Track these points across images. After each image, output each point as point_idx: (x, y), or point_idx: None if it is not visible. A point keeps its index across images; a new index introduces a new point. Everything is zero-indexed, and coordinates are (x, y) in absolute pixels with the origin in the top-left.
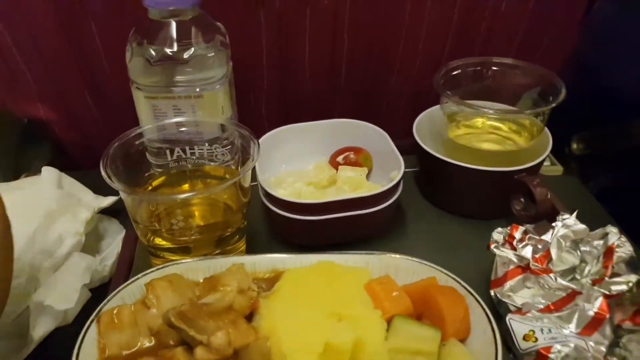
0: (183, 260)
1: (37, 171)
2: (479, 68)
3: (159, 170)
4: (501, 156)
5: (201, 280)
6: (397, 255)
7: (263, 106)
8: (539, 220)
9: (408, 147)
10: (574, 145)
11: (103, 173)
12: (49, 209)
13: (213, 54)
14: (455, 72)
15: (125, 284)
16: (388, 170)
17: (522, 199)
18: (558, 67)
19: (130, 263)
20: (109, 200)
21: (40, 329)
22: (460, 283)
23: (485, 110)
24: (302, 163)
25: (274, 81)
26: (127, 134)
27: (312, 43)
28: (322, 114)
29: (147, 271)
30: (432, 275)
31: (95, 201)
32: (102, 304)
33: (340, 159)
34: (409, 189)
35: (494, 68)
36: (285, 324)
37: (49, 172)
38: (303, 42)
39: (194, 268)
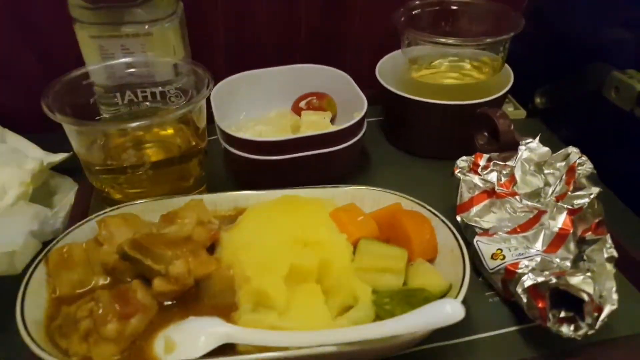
0: (139, 201)
1: None
2: (437, 8)
3: (111, 114)
4: (463, 91)
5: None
6: (363, 187)
7: (221, 57)
8: (497, 151)
9: (373, 96)
10: (537, 100)
11: (44, 107)
12: None
13: None
14: (415, 12)
15: (76, 225)
16: (350, 114)
17: (486, 133)
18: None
19: (84, 215)
20: (59, 157)
21: None
22: (424, 207)
23: (444, 40)
24: (263, 111)
25: (230, 30)
26: (71, 73)
27: None
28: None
29: (100, 212)
30: (395, 202)
31: (44, 156)
32: (50, 245)
33: (302, 104)
34: (375, 137)
35: (453, 7)
36: (248, 252)
37: None
38: None
39: (151, 209)
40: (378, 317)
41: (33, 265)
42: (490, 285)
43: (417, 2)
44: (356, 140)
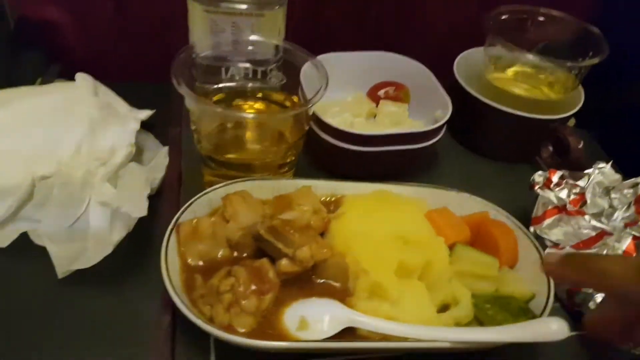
0: (249, 179)
1: (36, 76)
2: (525, 16)
3: (212, 86)
4: (532, 104)
5: (265, 198)
6: (450, 190)
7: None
8: (565, 168)
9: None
10: None
11: (174, 80)
12: (91, 117)
13: None
14: (503, 17)
15: (197, 196)
16: (427, 108)
17: (550, 147)
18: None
19: (179, 177)
20: (146, 113)
21: (116, 234)
22: (509, 218)
23: (532, 58)
24: (339, 93)
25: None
26: (189, 47)
27: None
28: (346, 43)
29: (216, 186)
30: (483, 210)
31: (133, 112)
32: (177, 215)
33: (381, 93)
34: None
35: (540, 18)
36: (358, 243)
37: (84, 79)
38: None
39: (260, 186)
40: (477, 318)
41: (167, 235)
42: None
43: (507, 8)
44: (438, 139)
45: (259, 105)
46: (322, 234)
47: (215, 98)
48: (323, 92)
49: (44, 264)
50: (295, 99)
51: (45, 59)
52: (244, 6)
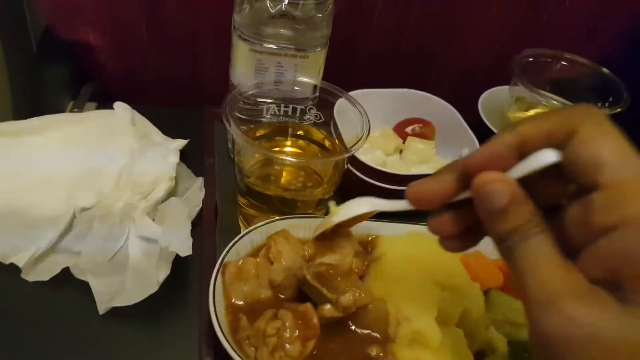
0: (287, 217)
1: (63, 96)
2: (549, 60)
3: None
4: None
5: (303, 237)
6: None
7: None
8: None
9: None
10: None
11: (225, 120)
12: (131, 147)
13: (322, 14)
14: (529, 59)
15: (240, 236)
16: (453, 145)
17: None
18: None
19: (215, 211)
20: (181, 142)
21: (162, 273)
22: None
23: (555, 102)
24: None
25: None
26: (242, 85)
27: (385, 3)
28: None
29: (258, 225)
30: None
31: (167, 142)
32: (222, 256)
33: (409, 129)
34: None
35: (564, 63)
36: (398, 288)
37: (122, 108)
38: (375, 3)
39: (299, 225)
40: None
41: (214, 275)
42: None
43: (533, 52)
44: None
45: (300, 142)
46: (361, 277)
47: (257, 133)
48: (364, 141)
49: (84, 298)
50: (336, 140)
51: (72, 79)
52: (290, 47)
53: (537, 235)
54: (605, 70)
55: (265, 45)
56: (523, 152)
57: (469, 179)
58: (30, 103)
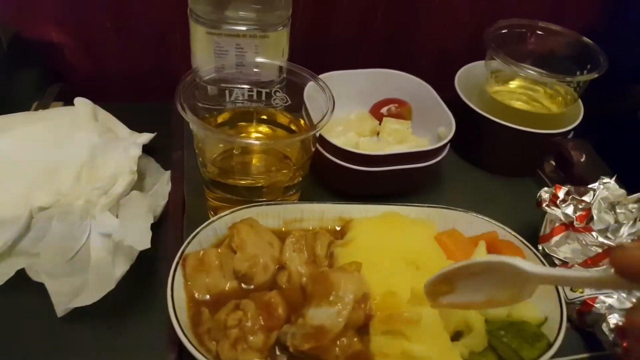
0: (254, 204)
1: (32, 97)
2: (524, 30)
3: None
4: (533, 117)
5: (273, 227)
6: (458, 210)
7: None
8: (570, 182)
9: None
10: None
11: (179, 106)
12: (91, 143)
13: None
14: (503, 31)
15: (202, 226)
16: (430, 124)
17: (552, 162)
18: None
19: (182, 204)
20: (147, 137)
21: (119, 269)
22: (518, 238)
23: (533, 73)
24: (342, 111)
25: (306, 17)
26: (195, 71)
27: None
28: (346, 61)
29: (222, 214)
30: (491, 230)
31: (133, 136)
32: (183, 247)
33: (384, 110)
34: None
35: (539, 32)
36: (369, 271)
37: (83, 103)
38: None
39: (267, 212)
40: (491, 345)
41: (173, 268)
42: None
43: (506, 23)
44: (442, 157)
45: (264, 128)
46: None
47: (219, 119)
48: (329, 117)
49: (42, 301)
50: (301, 122)
51: (41, 79)
52: (247, 27)
53: None
54: (580, 37)
55: (221, 26)
56: None
57: None
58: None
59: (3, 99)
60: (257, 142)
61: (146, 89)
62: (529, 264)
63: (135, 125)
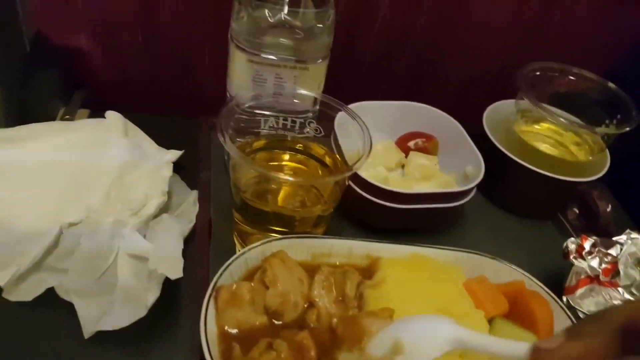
0: (284, 237)
1: (54, 100)
2: (556, 74)
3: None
4: (558, 162)
5: (300, 259)
6: (485, 256)
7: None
8: (592, 230)
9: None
10: None
11: (220, 135)
12: (122, 160)
13: (324, 24)
14: (535, 73)
15: (234, 257)
16: (456, 160)
17: (576, 209)
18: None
19: (209, 227)
20: (175, 154)
21: (151, 296)
22: (544, 289)
23: (563, 120)
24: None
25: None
26: (236, 98)
27: (388, 13)
28: (369, 92)
29: (253, 245)
30: (518, 279)
31: (161, 153)
32: (215, 279)
33: (411, 144)
34: None
35: (571, 77)
36: (398, 315)
37: (115, 117)
38: (377, 12)
39: (294, 245)
40: None
41: (206, 301)
42: None
43: (540, 65)
44: (470, 197)
45: (299, 157)
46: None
47: (255, 145)
48: (365, 159)
49: (69, 319)
50: (336, 156)
51: (63, 84)
52: (289, 58)
53: None
54: (612, 86)
55: (264, 55)
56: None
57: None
58: (21, 109)
59: (24, 101)
60: (293, 179)
61: (169, 101)
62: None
63: (158, 138)
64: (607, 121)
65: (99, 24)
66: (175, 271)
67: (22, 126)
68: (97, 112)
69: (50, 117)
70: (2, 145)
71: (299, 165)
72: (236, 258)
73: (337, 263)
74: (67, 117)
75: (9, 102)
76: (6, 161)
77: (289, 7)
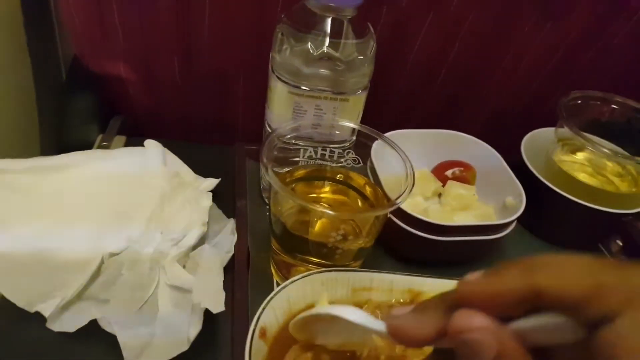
0: (325, 270)
1: (90, 127)
2: (598, 102)
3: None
4: (598, 193)
5: (340, 294)
6: None
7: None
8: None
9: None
10: None
11: (263, 168)
12: (162, 189)
13: (365, 55)
14: (577, 102)
15: (274, 293)
16: (494, 190)
17: (619, 241)
18: None
19: (247, 256)
20: (212, 182)
21: (193, 330)
22: None
23: (606, 150)
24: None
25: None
26: (277, 130)
27: (424, 42)
28: (402, 119)
29: (294, 279)
30: None
31: (198, 181)
32: (257, 316)
33: (449, 173)
34: None
35: (614, 106)
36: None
37: (154, 146)
38: (414, 42)
39: (335, 278)
40: None
41: (249, 339)
42: None
43: (582, 93)
44: (510, 230)
45: (339, 187)
46: None
47: (295, 175)
48: (408, 194)
49: (111, 350)
50: (376, 188)
51: (98, 110)
52: (330, 90)
53: None
54: None
55: (304, 87)
56: (534, 304)
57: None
58: (59, 136)
59: (62, 128)
60: (332, 212)
61: (202, 129)
62: (353, 313)
63: (194, 166)
64: None
65: (136, 52)
66: (218, 305)
67: (63, 155)
68: (133, 138)
69: (88, 144)
70: (44, 174)
71: (339, 196)
72: (277, 293)
73: (377, 299)
74: (105, 144)
75: (46, 129)
76: (47, 191)
77: (330, 38)
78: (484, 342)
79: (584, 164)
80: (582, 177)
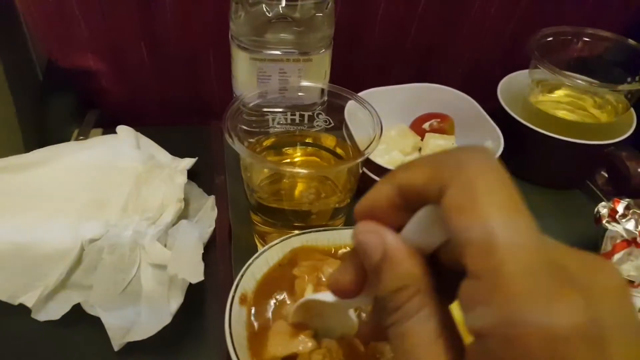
0: (303, 232)
1: (69, 124)
2: (569, 37)
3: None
4: (580, 127)
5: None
6: None
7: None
8: (624, 193)
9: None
10: None
11: (227, 136)
12: (136, 172)
13: (323, 12)
14: (547, 39)
15: (253, 258)
16: (474, 138)
17: (604, 173)
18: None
19: (228, 231)
20: (189, 162)
21: (174, 303)
22: None
23: (582, 82)
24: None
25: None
26: (241, 97)
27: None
28: (379, 77)
29: (271, 243)
30: None
31: (175, 162)
32: (237, 280)
33: (426, 125)
34: None
35: (586, 39)
36: None
37: (126, 131)
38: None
39: (315, 239)
40: None
41: (229, 303)
42: None
43: (551, 30)
44: None
45: (310, 150)
46: None
47: (264, 143)
48: (377, 142)
49: (97, 334)
50: (347, 145)
51: (76, 106)
52: (292, 52)
53: (419, 311)
54: (633, 42)
55: (266, 52)
56: (407, 205)
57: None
58: (39, 134)
59: (41, 127)
60: (304, 170)
61: (179, 111)
62: (324, 295)
63: (172, 148)
64: (629, 79)
65: (102, 41)
66: (196, 275)
67: (36, 150)
68: (110, 129)
69: (66, 139)
70: (19, 170)
71: (311, 158)
72: (256, 257)
73: None
74: (81, 137)
75: (26, 129)
76: (24, 185)
77: (286, 0)
78: (368, 243)
79: (562, 102)
80: (562, 114)
